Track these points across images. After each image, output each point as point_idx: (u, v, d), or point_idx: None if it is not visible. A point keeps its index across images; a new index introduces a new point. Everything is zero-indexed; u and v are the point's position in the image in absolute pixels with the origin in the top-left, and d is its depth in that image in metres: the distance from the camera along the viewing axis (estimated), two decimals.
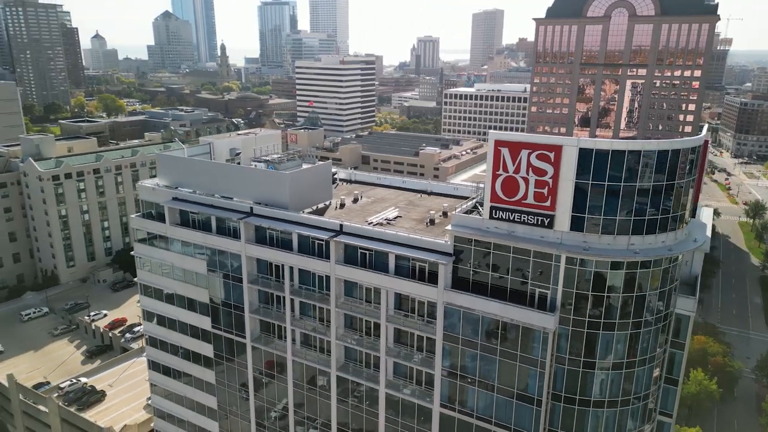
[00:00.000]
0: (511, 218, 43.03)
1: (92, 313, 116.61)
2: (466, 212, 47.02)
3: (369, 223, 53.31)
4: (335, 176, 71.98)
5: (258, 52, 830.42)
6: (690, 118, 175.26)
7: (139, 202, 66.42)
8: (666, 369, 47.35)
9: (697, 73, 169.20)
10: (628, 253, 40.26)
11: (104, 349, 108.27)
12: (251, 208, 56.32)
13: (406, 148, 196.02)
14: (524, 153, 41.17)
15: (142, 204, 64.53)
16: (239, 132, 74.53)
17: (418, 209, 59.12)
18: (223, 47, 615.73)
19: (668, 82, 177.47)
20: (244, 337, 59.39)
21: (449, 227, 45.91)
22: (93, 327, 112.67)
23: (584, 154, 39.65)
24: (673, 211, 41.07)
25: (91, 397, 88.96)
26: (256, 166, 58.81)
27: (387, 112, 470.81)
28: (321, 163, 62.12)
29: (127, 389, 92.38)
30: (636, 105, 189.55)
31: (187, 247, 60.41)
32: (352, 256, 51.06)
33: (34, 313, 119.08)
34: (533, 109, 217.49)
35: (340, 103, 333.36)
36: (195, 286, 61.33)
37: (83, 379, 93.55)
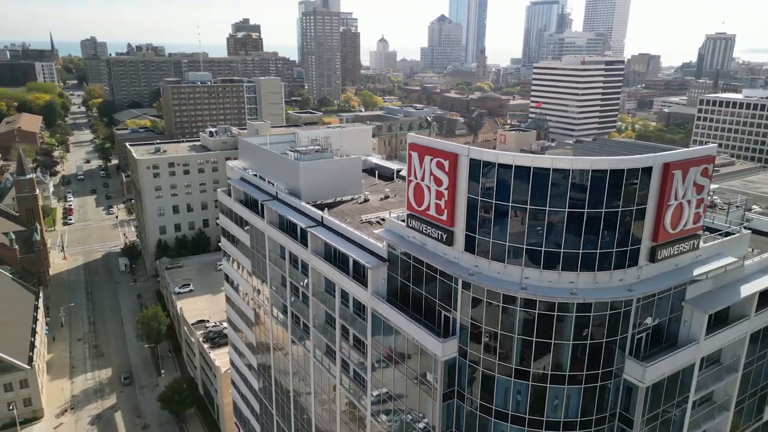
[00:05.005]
0: (420, 229, 39.48)
1: None
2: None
3: (361, 220, 53.70)
4: (400, 172, 72.50)
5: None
6: None
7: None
8: None
9: None
10: (514, 287, 33.50)
11: None
12: (276, 192, 61.69)
13: None
14: (427, 159, 37.35)
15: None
16: (330, 126, 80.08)
17: None
18: (482, 48, 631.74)
19: None
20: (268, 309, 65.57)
21: (379, 230, 44.06)
22: None
23: (474, 165, 34.30)
24: (586, 247, 32.48)
25: (221, 339, 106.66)
26: (291, 156, 63.66)
27: (643, 117, 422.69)
28: (349, 158, 63.79)
29: None
30: None
31: (241, 221, 68.99)
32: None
33: None
34: None
35: (575, 106, 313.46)
36: (245, 256, 69.78)
37: (224, 324, 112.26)
